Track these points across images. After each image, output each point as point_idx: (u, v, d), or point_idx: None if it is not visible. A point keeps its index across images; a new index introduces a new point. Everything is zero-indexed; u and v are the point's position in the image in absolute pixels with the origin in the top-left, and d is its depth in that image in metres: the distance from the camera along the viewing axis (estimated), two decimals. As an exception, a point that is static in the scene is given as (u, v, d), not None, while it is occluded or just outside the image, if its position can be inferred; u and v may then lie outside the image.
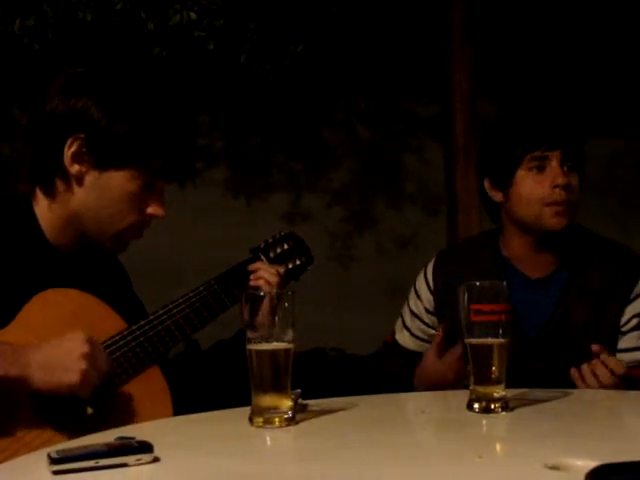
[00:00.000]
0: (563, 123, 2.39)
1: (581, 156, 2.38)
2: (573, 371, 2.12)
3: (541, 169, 2.33)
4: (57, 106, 1.88)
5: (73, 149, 1.87)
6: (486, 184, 2.46)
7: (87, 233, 1.96)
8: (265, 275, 2.07)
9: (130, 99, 1.90)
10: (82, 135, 1.86)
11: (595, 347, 2.12)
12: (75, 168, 1.88)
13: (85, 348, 1.74)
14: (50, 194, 1.93)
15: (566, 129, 2.38)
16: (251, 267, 2.11)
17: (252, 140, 7.09)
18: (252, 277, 2.08)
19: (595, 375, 2.08)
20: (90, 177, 1.89)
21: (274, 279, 2.06)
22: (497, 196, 2.43)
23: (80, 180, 1.89)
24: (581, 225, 2.47)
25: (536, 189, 2.33)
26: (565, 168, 2.33)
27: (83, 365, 1.72)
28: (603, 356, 2.10)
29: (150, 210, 1.94)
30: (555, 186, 2.30)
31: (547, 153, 2.32)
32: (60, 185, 1.91)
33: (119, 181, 1.89)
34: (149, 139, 1.88)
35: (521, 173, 2.35)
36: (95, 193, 1.90)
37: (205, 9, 5.23)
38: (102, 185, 1.89)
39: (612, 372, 2.08)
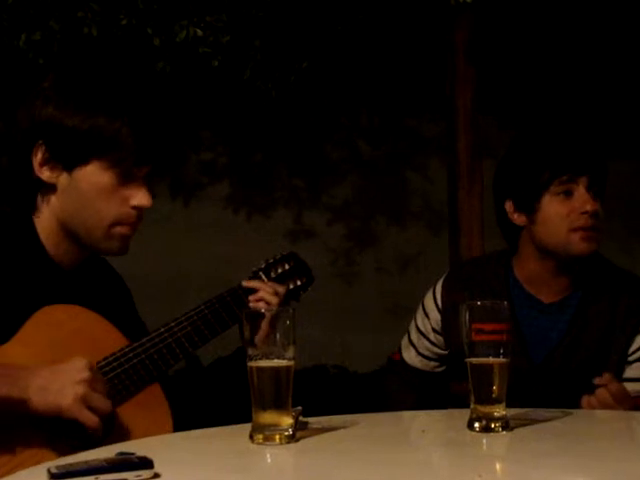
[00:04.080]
0: (590, 148, 2.39)
1: (605, 182, 2.38)
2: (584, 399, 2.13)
3: (568, 194, 2.33)
4: (21, 119, 1.89)
5: (39, 157, 1.87)
6: (508, 207, 2.44)
7: (80, 240, 1.94)
8: (265, 296, 2.06)
9: (81, 90, 1.89)
10: (41, 141, 1.86)
11: (604, 377, 2.12)
12: (46, 175, 1.88)
13: (84, 374, 1.73)
14: (37, 213, 1.94)
15: (593, 155, 2.37)
16: (251, 285, 2.10)
17: (255, 156, 7.10)
18: (251, 297, 2.07)
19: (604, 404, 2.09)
20: (62, 181, 1.89)
21: (274, 299, 2.06)
22: (520, 219, 2.42)
23: (54, 187, 1.90)
24: (596, 251, 2.47)
25: (562, 214, 2.32)
26: (592, 194, 2.32)
27: (79, 390, 1.71)
28: (610, 386, 2.10)
29: (134, 201, 1.91)
30: (584, 212, 2.30)
31: (575, 178, 2.32)
32: (40, 200, 1.92)
33: (89, 177, 1.87)
34: (103, 126, 1.85)
35: (548, 197, 2.34)
36: (71, 196, 1.89)
37: (211, 26, 5.25)
38: (75, 186, 1.88)
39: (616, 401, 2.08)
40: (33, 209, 1.94)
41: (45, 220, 1.93)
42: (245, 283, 2.10)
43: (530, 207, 2.38)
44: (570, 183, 2.32)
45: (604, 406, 2.08)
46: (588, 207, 2.30)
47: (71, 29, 5.07)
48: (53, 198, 1.91)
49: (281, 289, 2.10)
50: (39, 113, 1.87)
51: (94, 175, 1.87)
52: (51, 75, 1.94)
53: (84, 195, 1.88)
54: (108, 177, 1.87)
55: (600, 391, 2.10)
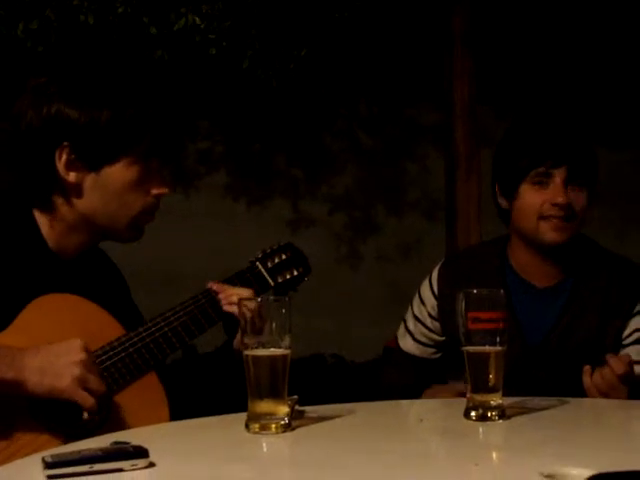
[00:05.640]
0: (571, 140, 2.37)
1: (590, 172, 2.36)
2: (586, 369, 2.13)
3: (544, 184, 2.32)
4: (32, 122, 1.87)
5: (64, 159, 1.87)
6: (497, 190, 2.47)
7: (102, 231, 1.96)
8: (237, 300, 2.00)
9: (100, 89, 1.90)
10: (66, 143, 1.86)
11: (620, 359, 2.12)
12: (72, 176, 1.88)
13: (80, 355, 1.74)
14: (50, 210, 1.93)
15: (573, 146, 2.35)
16: (218, 289, 2.03)
17: (252, 145, 7.09)
18: (223, 302, 2.01)
19: (601, 375, 2.09)
20: (88, 180, 1.90)
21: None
22: (504, 204, 2.43)
23: (79, 186, 1.90)
24: (586, 236, 2.46)
25: (535, 203, 2.32)
26: (570, 185, 2.32)
27: (76, 371, 1.72)
28: (609, 356, 2.11)
29: (155, 191, 1.95)
30: (554, 204, 2.30)
31: (551, 170, 2.31)
32: (58, 199, 1.92)
33: (117, 175, 1.90)
34: (131, 122, 1.89)
35: (525, 186, 2.35)
36: (98, 193, 1.90)
37: (207, 15, 5.24)
38: (102, 184, 1.90)
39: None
40: (46, 206, 1.93)
41: (60, 216, 1.93)
42: (216, 287, 2.05)
43: (510, 193, 2.39)
44: (546, 175, 2.32)
45: (603, 383, 2.08)
46: (559, 200, 2.29)
47: (68, 18, 5.07)
48: (74, 196, 1.91)
49: (250, 293, 2.04)
50: (55, 112, 1.86)
51: (122, 171, 1.90)
52: (58, 71, 1.95)
53: (112, 191, 1.91)
54: (134, 171, 1.91)
55: (606, 370, 2.09)
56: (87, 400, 1.74)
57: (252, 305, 1.66)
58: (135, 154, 1.90)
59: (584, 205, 2.34)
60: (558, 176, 2.32)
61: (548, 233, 2.32)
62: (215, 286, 2.04)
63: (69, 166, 1.88)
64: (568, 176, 2.31)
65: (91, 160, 1.88)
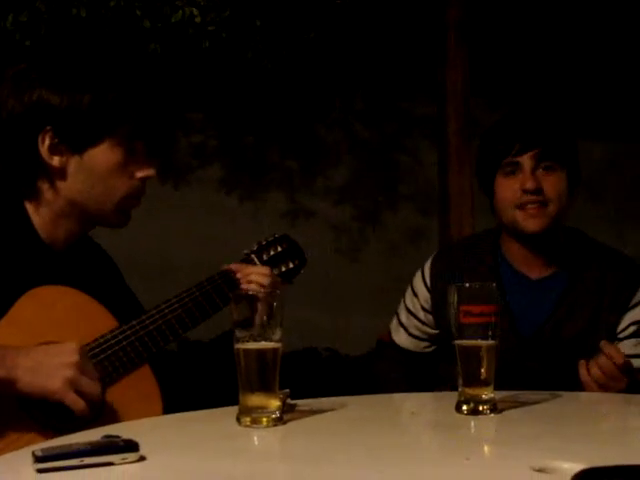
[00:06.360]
0: (537, 125, 2.38)
1: (563, 153, 2.37)
2: (581, 363, 2.13)
3: (514, 173, 2.35)
4: (13, 109, 1.88)
5: (47, 143, 1.87)
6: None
7: (88, 217, 1.96)
8: (256, 278, 2.04)
9: (81, 73, 1.91)
10: (49, 127, 1.86)
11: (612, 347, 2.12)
12: (55, 160, 1.89)
13: (74, 357, 1.73)
14: (36, 197, 1.93)
15: (540, 130, 2.37)
16: (236, 269, 2.07)
17: (246, 138, 7.08)
18: (242, 280, 2.04)
19: (598, 366, 2.09)
20: (72, 163, 1.90)
21: (266, 280, 2.04)
22: (488, 198, 2.45)
23: (63, 170, 1.90)
24: (580, 230, 2.48)
25: (507, 193, 2.35)
26: (541, 170, 2.33)
27: (68, 373, 1.71)
28: (603, 344, 2.11)
29: (140, 174, 1.96)
30: (524, 190, 2.31)
31: (518, 158, 2.33)
32: (43, 184, 1.92)
33: (101, 157, 1.90)
34: (113, 104, 1.89)
35: (498, 178, 2.38)
36: (83, 176, 1.91)
37: (203, 7, 5.23)
38: (86, 167, 1.90)
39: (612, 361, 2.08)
40: (31, 193, 1.93)
41: (46, 202, 1.93)
42: (234, 267, 2.08)
43: (489, 188, 2.42)
44: (515, 164, 2.34)
45: (603, 374, 2.08)
46: (528, 185, 2.31)
47: (59, 10, 5.05)
48: (59, 180, 1.92)
49: (268, 271, 2.08)
50: (37, 98, 1.87)
51: (105, 154, 1.90)
52: (38, 58, 1.95)
53: (96, 174, 1.91)
54: (118, 153, 1.91)
55: (603, 360, 2.09)
56: (78, 403, 1.73)
57: (244, 298, 1.66)
58: (118, 136, 1.90)
59: (560, 188, 2.35)
60: (526, 162, 2.34)
61: (525, 221, 2.34)
62: (233, 266, 2.06)
63: (52, 150, 1.88)
64: (536, 161, 2.33)
65: (74, 143, 1.88)
